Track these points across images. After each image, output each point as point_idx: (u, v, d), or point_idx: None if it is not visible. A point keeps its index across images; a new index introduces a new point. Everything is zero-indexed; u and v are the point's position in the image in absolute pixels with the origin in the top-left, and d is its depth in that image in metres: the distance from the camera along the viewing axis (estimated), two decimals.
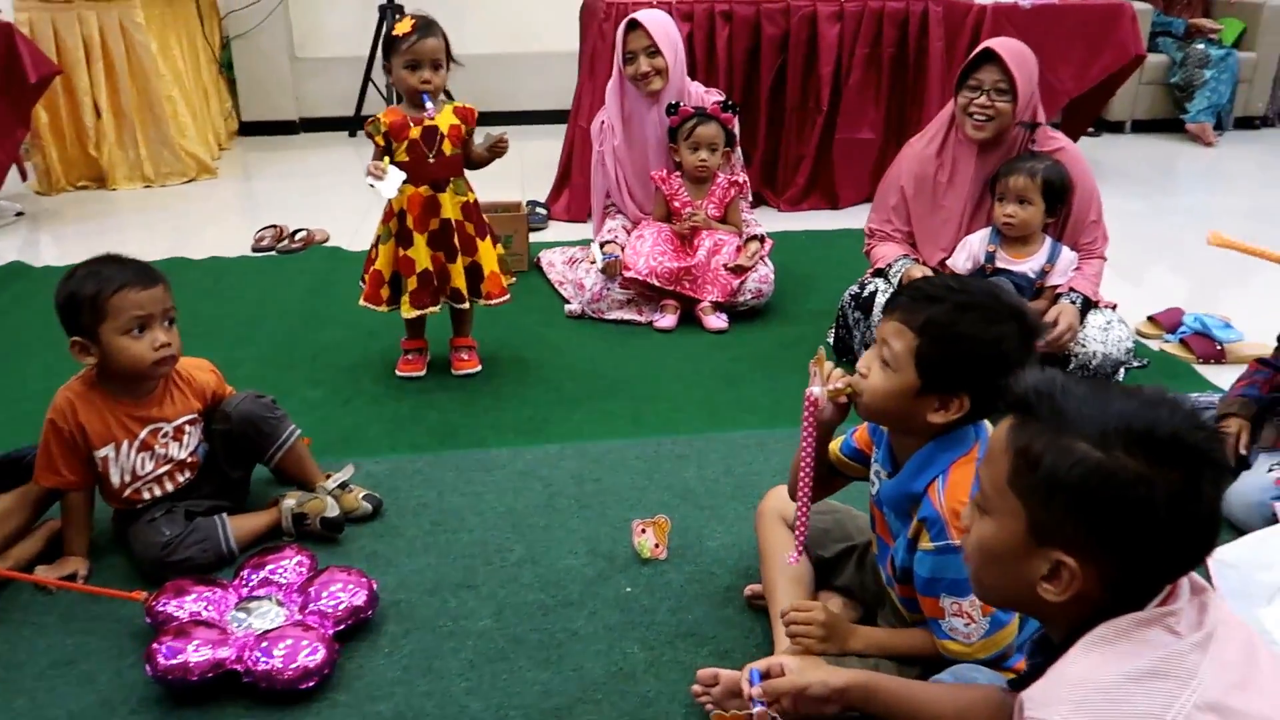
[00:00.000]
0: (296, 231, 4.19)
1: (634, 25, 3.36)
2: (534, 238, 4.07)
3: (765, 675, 1.49)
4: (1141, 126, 6.44)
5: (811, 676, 1.46)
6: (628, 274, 3.35)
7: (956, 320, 1.46)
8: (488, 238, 2.88)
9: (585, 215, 4.40)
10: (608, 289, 3.39)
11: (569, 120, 4.68)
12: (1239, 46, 6.38)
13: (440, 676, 1.81)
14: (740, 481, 2.41)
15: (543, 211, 4.50)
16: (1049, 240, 2.83)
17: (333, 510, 2.18)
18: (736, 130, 3.48)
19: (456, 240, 2.81)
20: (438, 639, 1.90)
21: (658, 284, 3.33)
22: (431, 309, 2.86)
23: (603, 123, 3.59)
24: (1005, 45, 2.77)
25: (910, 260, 2.95)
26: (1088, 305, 2.81)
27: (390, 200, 2.76)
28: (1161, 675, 0.97)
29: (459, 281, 2.83)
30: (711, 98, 3.45)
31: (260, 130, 6.27)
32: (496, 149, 2.80)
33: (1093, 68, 4.77)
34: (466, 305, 2.86)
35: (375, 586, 1.96)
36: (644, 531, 2.13)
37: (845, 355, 3.09)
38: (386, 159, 2.71)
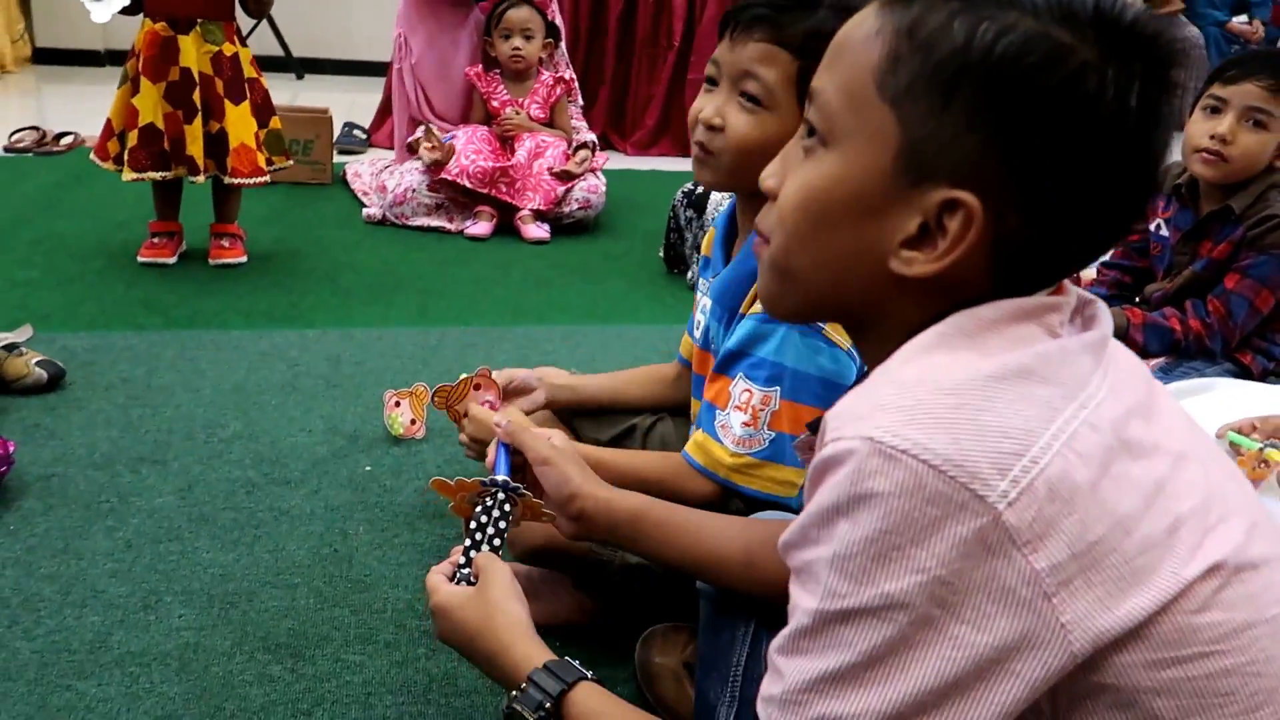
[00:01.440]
0: (62, 135, 3.60)
1: None
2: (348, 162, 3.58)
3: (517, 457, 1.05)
4: None
5: (557, 452, 1.02)
6: (437, 175, 2.92)
7: None
8: (245, 103, 2.37)
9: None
10: (413, 190, 2.94)
11: (395, 36, 4.22)
12: None
13: (77, 557, 1.33)
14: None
15: (361, 135, 4.01)
16: None
17: None
18: (559, 22, 3.11)
19: (198, 97, 2.30)
20: (90, 517, 1.42)
21: (470, 185, 2.90)
22: (153, 174, 2.33)
23: (403, 38, 3.17)
24: None
25: None
26: None
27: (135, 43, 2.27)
28: (1039, 378, 0.59)
29: (194, 149, 2.32)
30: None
31: (58, 59, 5.57)
32: None
33: None
34: (202, 179, 2.35)
35: (11, 449, 1.46)
36: (397, 404, 1.70)
37: (676, 266, 2.72)
38: None
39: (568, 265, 2.74)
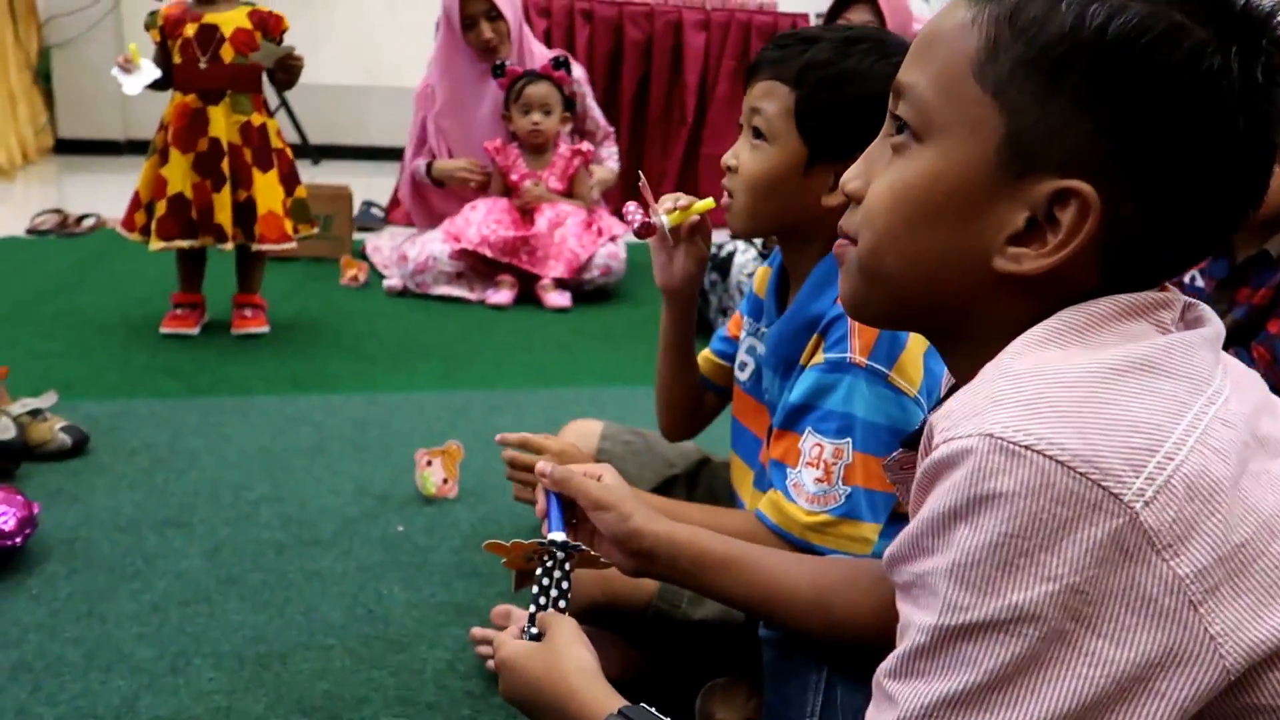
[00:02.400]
0: (84, 217, 3.63)
1: None
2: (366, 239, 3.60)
3: (567, 502, 0.99)
4: None
5: (611, 495, 0.96)
6: (458, 245, 2.92)
7: (842, 57, 1.07)
8: (273, 171, 2.38)
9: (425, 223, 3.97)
10: (435, 259, 2.94)
11: (414, 115, 4.29)
12: None
13: (102, 620, 1.27)
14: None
15: (379, 212, 4.05)
16: None
17: (7, 433, 1.62)
18: (586, 90, 3.16)
19: (227, 166, 2.32)
20: (115, 580, 1.37)
21: (491, 255, 2.90)
22: (180, 243, 2.32)
23: (430, 88, 3.24)
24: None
25: None
26: None
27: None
28: (1163, 371, 0.55)
29: (223, 216, 2.32)
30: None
31: (80, 149, 5.66)
32: (288, 65, 2.35)
33: None
34: (230, 246, 2.35)
35: (36, 511, 1.41)
36: (429, 464, 1.65)
37: (702, 330, 2.69)
38: (136, 50, 2.25)
39: (590, 331, 2.71)
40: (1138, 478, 0.50)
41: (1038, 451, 0.50)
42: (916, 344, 1.10)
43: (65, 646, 1.22)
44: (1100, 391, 0.53)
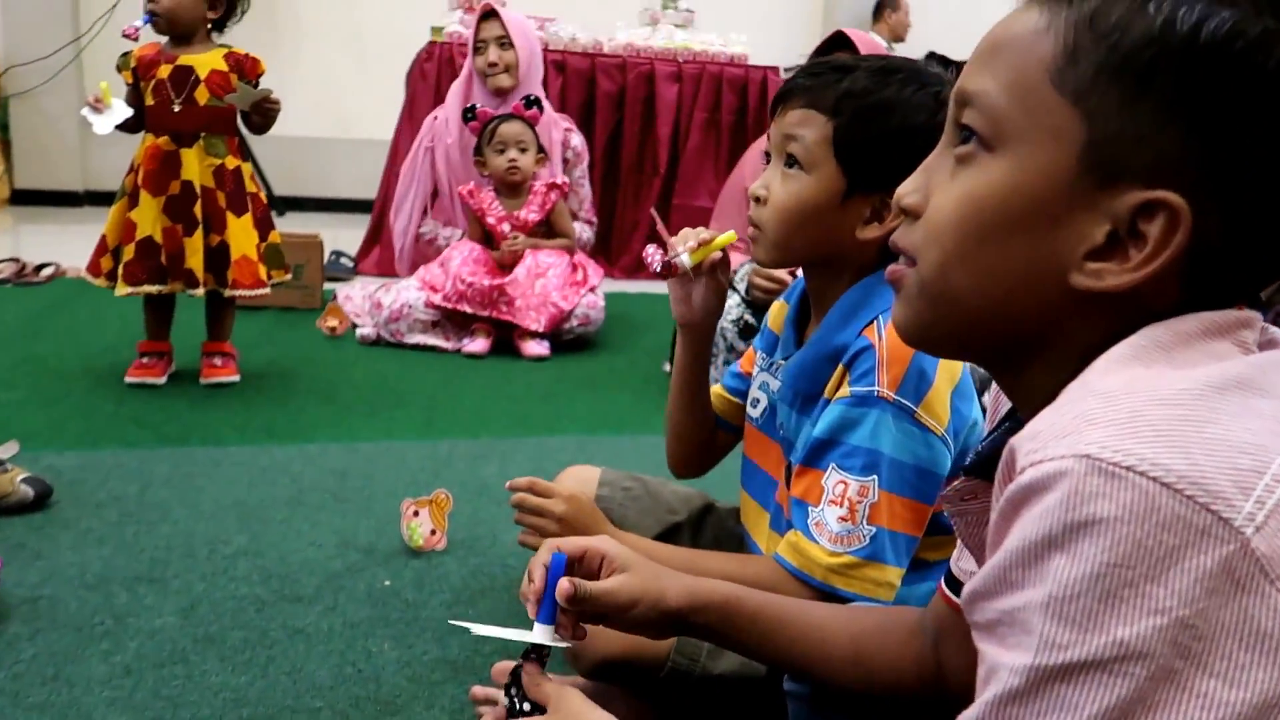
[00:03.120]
0: (42, 266, 3.52)
1: (490, 14, 3.11)
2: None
3: (573, 567, 0.93)
4: None
5: (637, 586, 0.92)
6: (434, 297, 2.87)
7: (880, 86, 1.05)
8: (247, 215, 2.32)
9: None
10: (410, 306, 2.88)
11: (385, 166, 4.25)
12: None
13: (70, 684, 1.18)
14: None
15: (348, 262, 3.99)
16: None
17: None
18: (579, 141, 3.18)
19: (199, 210, 2.25)
20: (82, 641, 1.27)
21: (469, 310, 2.84)
22: (149, 288, 2.24)
23: (436, 119, 3.25)
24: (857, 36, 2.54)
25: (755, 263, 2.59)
26: None
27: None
28: (1258, 389, 0.51)
29: (194, 261, 2.24)
30: (563, 123, 3.20)
31: (37, 200, 5.55)
32: (265, 108, 2.30)
33: None
34: (201, 292, 2.27)
35: None
36: (416, 514, 1.58)
37: None
38: (107, 89, 2.19)
39: (572, 379, 2.66)
40: (1247, 501, 0.46)
41: (1140, 473, 0.46)
42: (944, 381, 1.06)
43: (30, 713, 1.12)
44: (1200, 410, 0.49)
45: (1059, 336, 0.58)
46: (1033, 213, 0.56)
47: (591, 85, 4.21)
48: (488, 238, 3.00)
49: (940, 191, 0.60)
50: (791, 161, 1.07)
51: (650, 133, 4.32)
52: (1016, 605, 0.50)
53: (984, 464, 0.65)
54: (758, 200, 1.10)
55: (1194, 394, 0.50)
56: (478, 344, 2.84)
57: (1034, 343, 0.59)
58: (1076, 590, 0.47)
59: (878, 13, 6.19)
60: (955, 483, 0.68)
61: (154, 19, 2.18)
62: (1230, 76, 0.52)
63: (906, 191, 0.63)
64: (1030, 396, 0.61)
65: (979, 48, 0.60)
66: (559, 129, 3.21)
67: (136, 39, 2.20)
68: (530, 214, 2.98)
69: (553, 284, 2.91)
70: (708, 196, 4.38)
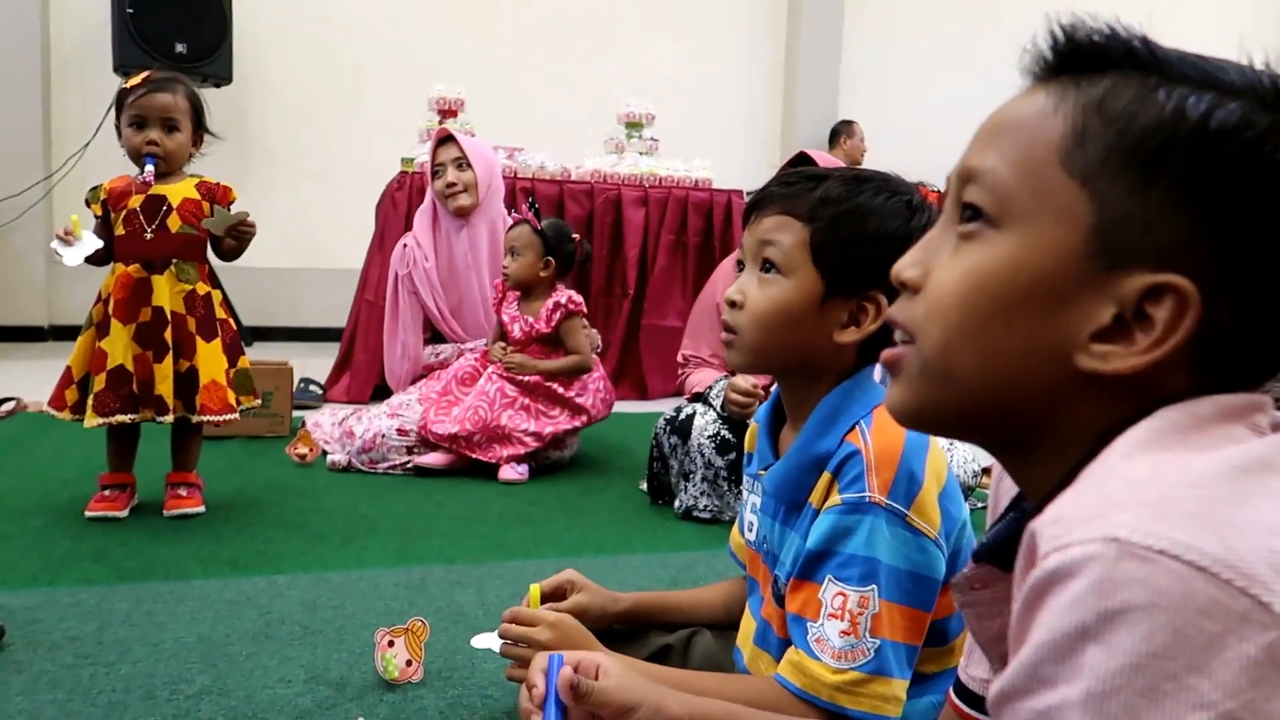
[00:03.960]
0: (3, 401, 3.44)
1: (447, 139, 3.19)
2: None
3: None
4: None
5: (638, 690, 0.88)
6: (405, 425, 2.84)
7: (854, 193, 1.07)
8: (216, 340, 2.30)
9: (368, 396, 3.88)
10: (383, 436, 2.83)
11: (355, 295, 4.25)
12: None
13: None
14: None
15: (317, 390, 3.94)
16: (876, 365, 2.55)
17: None
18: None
19: (170, 336, 2.22)
20: None
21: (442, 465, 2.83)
22: (121, 418, 2.19)
23: (405, 246, 3.29)
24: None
25: (730, 378, 2.59)
26: None
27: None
28: None
29: (164, 387, 2.20)
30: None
31: (1, 336, 5.49)
32: (239, 231, 2.30)
33: None
34: (170, 418, 2.22)
35: None
36: (391, 644, 1.51)
37: (661, 497, 2.62)
38: (77, 221, 2.19)
39: (548, 502, 2.61)
40: None
41: (1173, 556, 0.44)
42: (932, 482, 1.05)
43: None
44: (1228, 492, 0.48)
45: (1066, 419, 0.57)
46: (1039, 291, 0.56)
47: (560, 210, 4.28)
48: (503, 335, 3.02)
49: (943, 267, 0.60)
50: (768, 266, 1.08)
51: (619, 255, 4.38)
52: (1051, 704, 0.47)
53: (995, 550, 0.63)
54: (733, 305, 1.10)
55: (1221, 476, 0.49)
56: (433, 457, 2.80)
57: (1039, 424, 0.58)
58: (1115, 685, 0.44)
59: (833, 139, 6.43)
60: (965, 570, 0.65)
61: (157, 161, 2.20)
62: (1239, 164, 0.52)
63: (906, 265, 0.63)
64: (1038, 480, 0.60)
65: (983, 128, 0.60)
66: None
67: (152, 182, 2.23)
68: (539, 324, 2.95)
69: (519, 421, 2.85)
70: (676, 316, 4.43)
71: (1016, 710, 0.49)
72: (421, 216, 3.31)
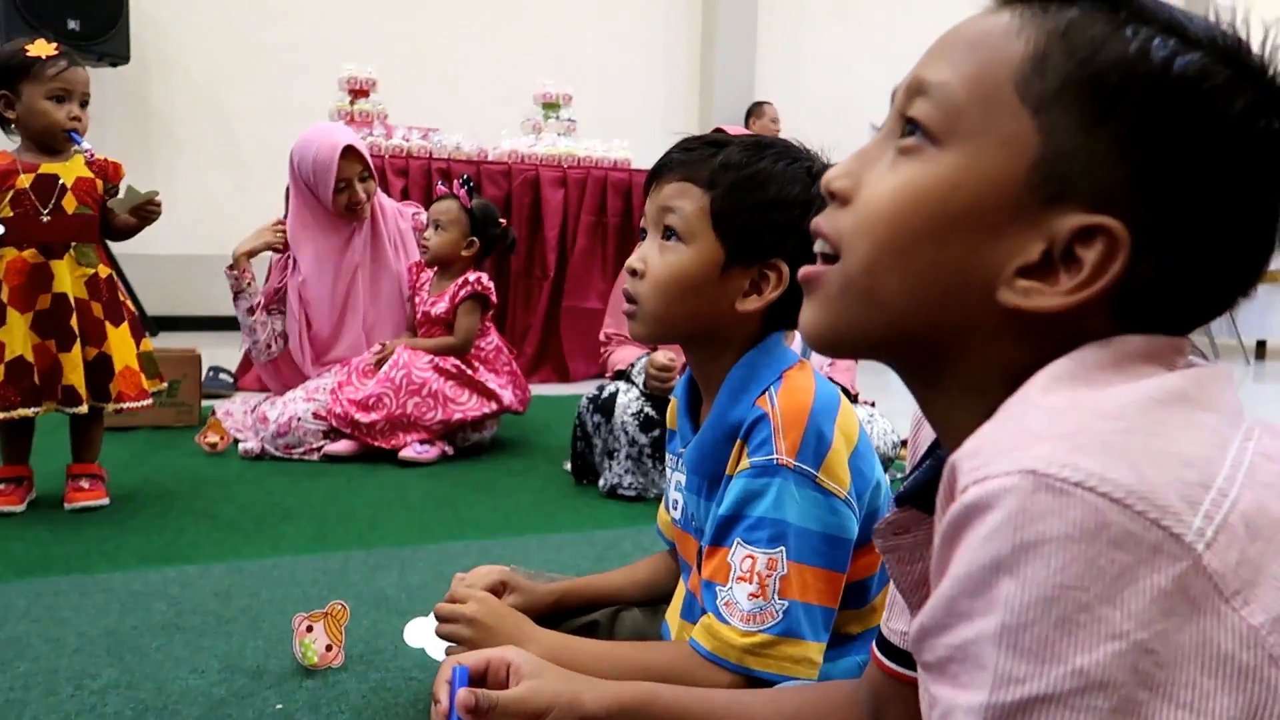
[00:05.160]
0: None
1: (349, 150, 2.94)
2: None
3: (481, 681, 0.87)
4: None
5: (549, 691, 0.86)
6: (321, 409, 2.77)
7: (755, 160, 1.06)
8: (124, 324, 2.21)
9: (280, 388, 3.76)
10: (299, 419, 2.76)
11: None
12: None
13: None
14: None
15: (228, 378, 3.82)
16: (798, 336, 2.57)
17: None
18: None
19: (75, 323, 2.13)
20: None
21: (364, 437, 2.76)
22: (24, 411, 2.09)
23: (287, 257, 3.10)
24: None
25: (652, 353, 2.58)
26: (847, 398, 2.52)
27: None
28: (1199, 404, 0.50)
29: (75, 377, 2.11)
30: (409, 209, 3.23)
31: None
32: (145, 211, 2.21)
33: None
34: (84, 409, 2.13)
35: None
36: (309, 629, 1.46)
37: (586, 476, 2.60)
38: None
39: (470, 484, 2.57)
40: (1195, 515, 0.44)
41: (1089, 489, 0.44)
42: (841, 442, 1.05)
43: None
44: (1145, 423, 0.48)
45: (982, 354, 0.56)
46: (972, 215, 0.54)
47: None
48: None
49: (877, 179, 0.58)
50: (669, 234, 1.07)
51: (538, 237, 4.34)
52: (968, 638, 0.46)
53: (917, 493, 0.62)
54: (634, 273, 1.08)
55: (1138, 407, 0.48)
56: (341, 444, 2.74)
57: (955, 357, 0.57)
58: (1030, 617, 0.44)
59: (746, 120, 6.48)
60: (888, 515, 0.65)
61: (81, 136, 2.14)
62: (1193, 115, 0.52)
63: (837, 175, 0.60)
64: (952, 420, 0.59)
65: (940, 41, 0.59)
66: (405, 218, 3.17)
67: (92, 158, 2.16)
68: (439, 305, 2.89)
69: (425, 406, 2.79)
70: (597, 298, 4.41)
71: (935, 646, 0.48)
72: (295, 227, 3.05)
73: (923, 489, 0.61)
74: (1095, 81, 0.52)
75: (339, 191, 2.97)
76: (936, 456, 0.64)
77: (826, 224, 0.60)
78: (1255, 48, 0.53)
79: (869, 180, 0.58)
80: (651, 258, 1.07)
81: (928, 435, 0.68)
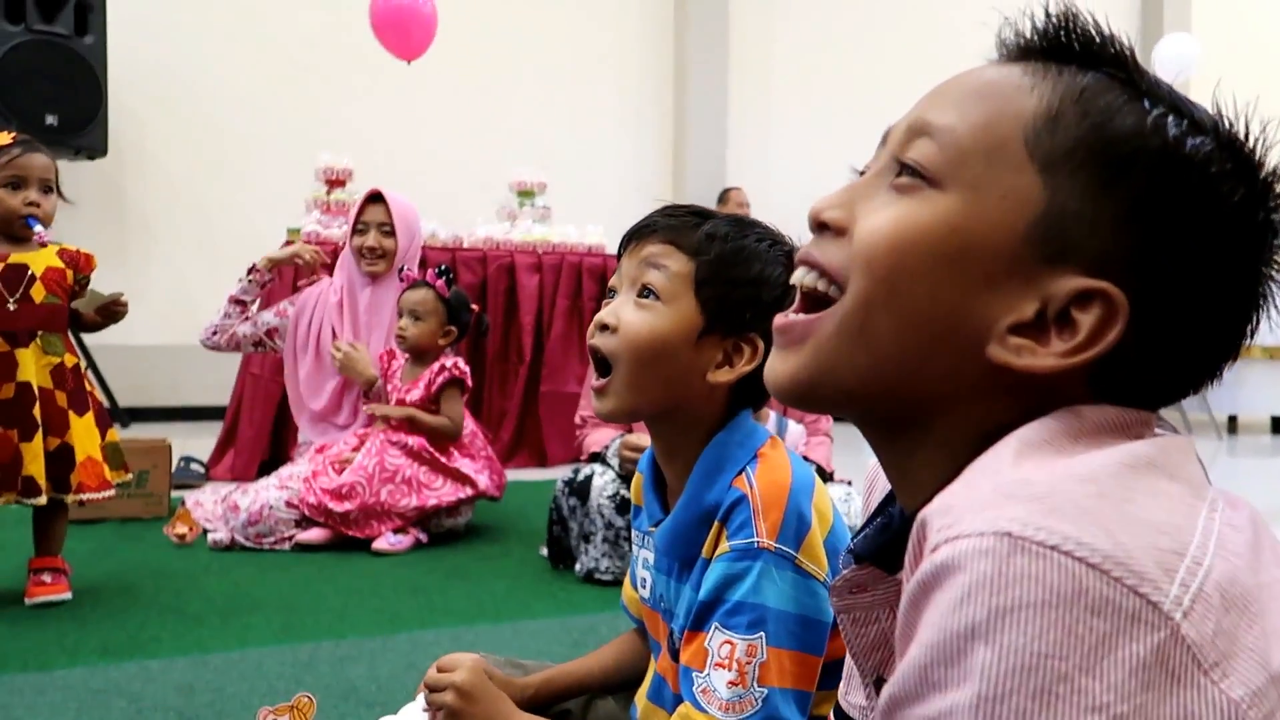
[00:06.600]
0: None
1: (377, 198, 3.09)
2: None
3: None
4: None
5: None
6: (294, 498, 2.73)
7: (740, 235, 1.06)
8: (89, 414, 2.18)
9: (253, 473, 3.71)
10: (270, 508, 2.71)
11: (239, 369, 4.10)
12: None
13: None
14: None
15: (199, 468, 3.76)
16: (774, 414, 2.58)
17: None
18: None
19: (38, 412, 2.10)
20: None
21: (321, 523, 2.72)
22: None
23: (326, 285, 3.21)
24: None
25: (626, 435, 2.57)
26: (823, 476, 2.51)
27: None
28: (1166, 473, 0.49)
29: (34, 468, 2.07)
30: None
31: None
32: (111, 310, 2.21)
33: None
34: (43, 500, 2.08)
35: None
36: None
37: (562, 561, 2.56)
38: None
39: (443, 571, 2.52)
40: (1172, 584, 0.44)
41: (1065, 553, 0.43)
42: (819, 523, 1.03)
43: None
44: (1117, 488, 0.47)
45: (959, 412, 0.55)
46: (969, 261, 0.54)
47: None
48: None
49: (874, 212, 0.56)
50: (647, 292, 1.04)
51: (514, 322, 4.35)
52: (942, 710, 0.45)
53: (874, 548, 0.61)
54: (605, 328, 1.05)
55: (1109, 472, 0.48)
56: (313, 533, 2.69)
57: (932, 411, 0.56)
58: (1007, 687, 0.42)
59: (717, 205, 6.60)
60: (845, 572, 0.62)
61: (38, 221, 2.13)
62: (1199, 196, 0.52)
63: (828, 205, 0.59)
64: (915, 473, 0.58)
65: (942, 86, 0.58)
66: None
67: (45, 243, 2.16)
68: (415, 391, 2.87)
69: (400, 493, 2.76)
70: (575, 382, 4.41)
71: (907, 717, 0.47)
72: (342, 263, 3.24)
73: (882, 547, 0.60)
74: (1108, 147, 0.53)
75: (357, 232, 3.12)
76: (888, 514, 0.63)
77: (820, 254, 0.58)
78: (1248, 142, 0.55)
79: (865, 212, 0.57)
80: (625, 314, 1.04)
81: (881, 490, 0.67)
